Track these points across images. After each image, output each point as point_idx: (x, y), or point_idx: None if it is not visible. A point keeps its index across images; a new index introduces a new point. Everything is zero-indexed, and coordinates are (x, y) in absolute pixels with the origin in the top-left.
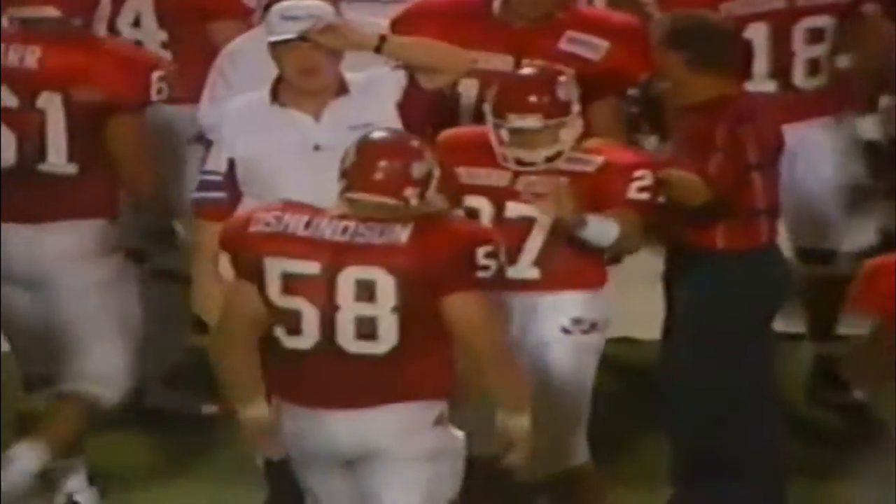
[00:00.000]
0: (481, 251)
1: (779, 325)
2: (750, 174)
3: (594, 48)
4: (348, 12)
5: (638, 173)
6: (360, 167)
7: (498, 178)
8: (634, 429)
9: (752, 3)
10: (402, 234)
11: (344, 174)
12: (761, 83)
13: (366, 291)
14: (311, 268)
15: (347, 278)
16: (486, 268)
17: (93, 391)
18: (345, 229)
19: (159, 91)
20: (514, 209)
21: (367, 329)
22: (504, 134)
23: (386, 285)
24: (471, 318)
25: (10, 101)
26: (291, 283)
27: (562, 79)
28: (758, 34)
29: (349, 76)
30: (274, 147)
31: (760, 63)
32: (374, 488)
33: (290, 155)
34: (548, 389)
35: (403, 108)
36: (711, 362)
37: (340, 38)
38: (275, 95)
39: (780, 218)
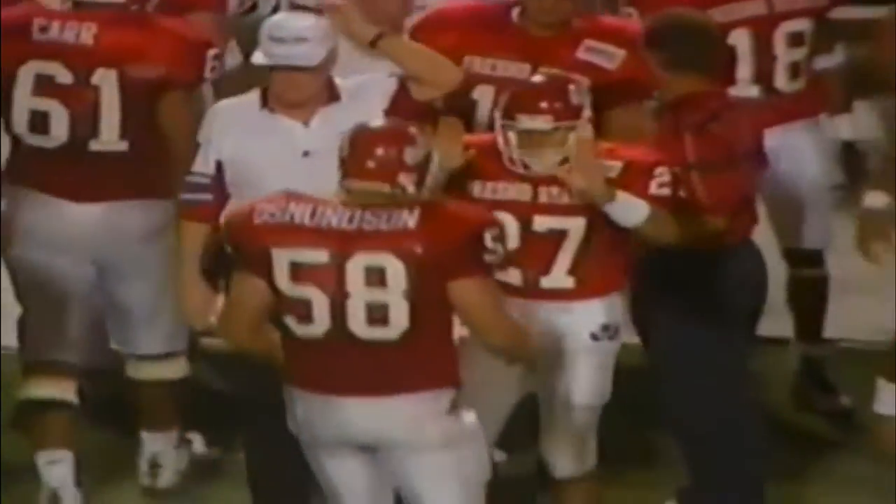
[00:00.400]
0: (488, 234)
1: (765, 329)
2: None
3: (610, 57)
4: None
5: (657, 171)
6: (353, 155)
7: (519, 192)
8: (622, 430)
9: (734, 10)
10: (410, 219)
11: (341, 163)
12: (745, 88)
13: (376, 277)
14: (320, 256)
15: (356, 265)
16: (493, 252)
17: (162, 374)
18: (351, 217)
19: (213, 69)
20: (541, 223)
21: (378, 314)
22: (512, 136)
23: (396, 271)
24: (479, 303)
25: (65, 77)
26: (300, 272)
27: (572, 86)
28: (741, 41)
29: (340, 83)
30: (263, 151)
31: (745, 69)
32: (412, 485)
33: (279, 160)
34: (576, 395)
35: (390, 114)
36: (687, 360)
37: (343, 21)
38: (264, 100)
39: (765, 218)
